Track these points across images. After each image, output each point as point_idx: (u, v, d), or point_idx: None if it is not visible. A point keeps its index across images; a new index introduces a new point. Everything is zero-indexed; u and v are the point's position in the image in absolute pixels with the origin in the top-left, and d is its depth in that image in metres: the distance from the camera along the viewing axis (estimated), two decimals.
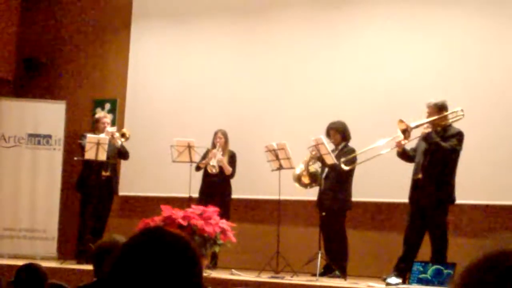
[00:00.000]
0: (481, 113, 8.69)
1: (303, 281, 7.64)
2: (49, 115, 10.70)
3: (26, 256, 9.23)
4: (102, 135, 9.36)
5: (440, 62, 9.28)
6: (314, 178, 8.71)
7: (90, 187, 9.37)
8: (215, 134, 9.40)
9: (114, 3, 11.43)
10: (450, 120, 7.85)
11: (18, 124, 10.67)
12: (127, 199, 10.80)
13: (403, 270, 7.57)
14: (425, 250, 7.70)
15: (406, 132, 7.69)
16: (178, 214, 8.20)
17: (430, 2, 9.48)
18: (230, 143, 9.46)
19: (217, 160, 9.19)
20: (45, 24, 11.75)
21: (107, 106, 11.14)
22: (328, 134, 8.77)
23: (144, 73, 10.94)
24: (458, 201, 7.78)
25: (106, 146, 9.17)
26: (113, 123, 10.91)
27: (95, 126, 9.73)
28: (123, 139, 9.55)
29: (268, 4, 10.44)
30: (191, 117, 10.38)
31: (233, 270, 8.36)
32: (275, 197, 8.86)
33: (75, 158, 9.32)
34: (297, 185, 8.77)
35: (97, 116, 9.97)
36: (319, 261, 8.13)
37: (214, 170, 9.16)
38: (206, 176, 9.37)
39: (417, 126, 7.74)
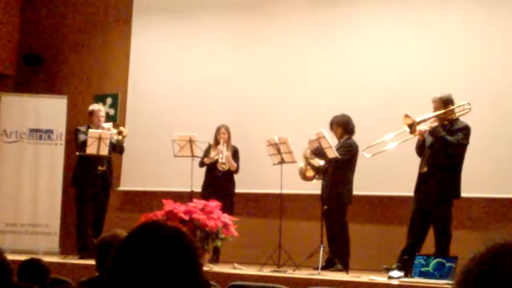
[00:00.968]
0: (483, 107, 8.66)
1: (305, 274, 7.64)
2: (51, 110, 10.70)
3: (28, 251, 9.23)
4: (104, 130, 9.32)
5: (441, 56, 9.25)
6: (317, 170, 8.72)
7: (86, 182, 9.31)
8: (218, 129, 9.34)
9: None
10: (457, 114, 7.84)
11: (19, 119, 10.67)
12: (128, 194, 10.80)
13: (406, 262, 7.57)
14: (428, 244, 7.70)
15: (412, 126, 7.69)
16: (180, 208, 8.21)
17: None
18: (231, 138, 9.43)
19: (225, 156, 9.16)
20: (46, 19, 11.74)
21: (109, 100, 11.13)
22: (331, 128, 8.76)
23: (145, 68, 10.93)
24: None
25: (108, 141, 9.15)
26: (114, 118, 10.91)
27: (89, 119, 9.59)
28: (119, 136, 9.49)
29: (268, 0, 10.43)
30: (192, 112, 10.38)
31: (235, 264, 8.37)
32: (277, 191, 8.86)
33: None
34: (303, 180, 8.79)
35: (91, 108, 9.70)
36: (321, 255, 8.14)
37: (224, 167, 9.08)
38: (210, 171, 9.34)
39: (423, 121, 7.73)
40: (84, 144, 9.19)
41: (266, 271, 7.86)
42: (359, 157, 8.53)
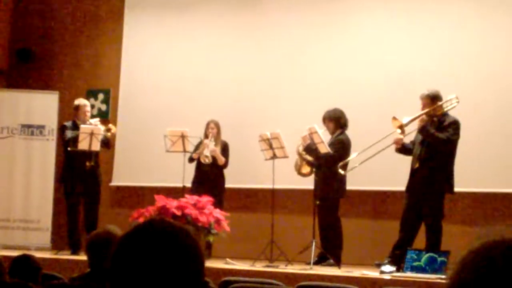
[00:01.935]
0: (475, 101, 8.69)
1: (298, 269, 7.65)
2: (42, 106, 10.66)
3: (19, 247, 9.20)
4: (93, 126, 9.26)
5: (438, 51, 9.25)
6: (312, 165, 8.73)
7: (75, 178, 9.27)
8: (207, 124, 9.36)
9: None
10: (446, 109, 7.86)
11: (11, 115, 10.63)
12: (120, 189, 10.79)
13: (398, 257, 7.59)
14: (420, 238, 7.72)
15: (402, 128, 7.73)
16: (172, 204, 8.21)
17: None
18: (223, 133, 9.44)
19: (210, 150, 9.18)
20: (38, 14, 11.69)
21: (101, 96, 11.11)
22: (323, 123, 8.76)
23: (137, 63, 10.90)
24: None
25: (100, 137, 9.12)
26: (106, 113, 10.89)
27: (75, 114, 9.45)
28: (108, 134, 9.42)
29: None
30: (184, 107, 10.36)
31: (227, 259, 8.37)
32: (269, 186, 8.87)
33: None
34: (299, 175, 8.81)
35: (76, 102, 9.54)
36: (313, 250, 8.15)
37: (207, 160, 9.13)
38: (199, 166, 9.36)
39: (411, 121, 7.75)
40: (71, 140, 9.11)
41: (259, 266, 7.87)
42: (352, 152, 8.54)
